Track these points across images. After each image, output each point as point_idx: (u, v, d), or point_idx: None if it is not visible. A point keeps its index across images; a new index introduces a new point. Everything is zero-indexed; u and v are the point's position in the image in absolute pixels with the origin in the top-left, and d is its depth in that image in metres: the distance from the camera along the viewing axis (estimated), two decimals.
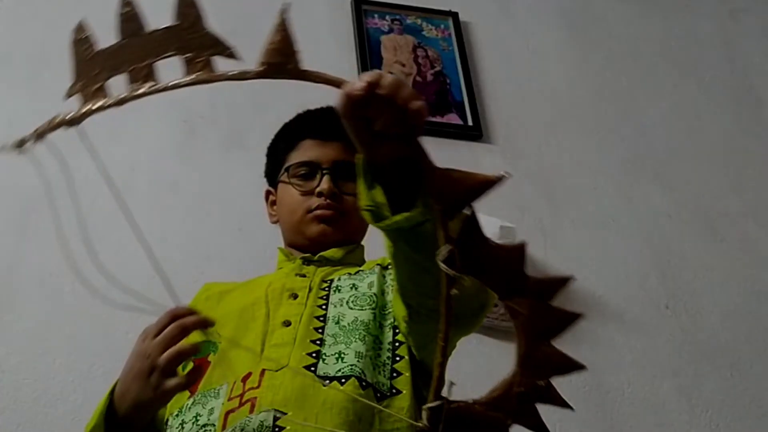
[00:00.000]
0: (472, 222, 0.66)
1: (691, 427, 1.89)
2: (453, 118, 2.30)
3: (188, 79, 0.77)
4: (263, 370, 0.95)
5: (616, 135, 2.44)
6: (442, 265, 0.65)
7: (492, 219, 1.96)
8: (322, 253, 1.16)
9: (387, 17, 2.50)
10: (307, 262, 1.15)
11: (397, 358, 1.00)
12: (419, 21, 2.53)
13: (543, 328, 0.67)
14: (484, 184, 0.66)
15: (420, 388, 0.98)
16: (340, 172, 1.18)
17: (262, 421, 0.90)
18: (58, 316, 1.74)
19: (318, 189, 1.16)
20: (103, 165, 0.89)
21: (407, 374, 0.99)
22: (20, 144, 0.92)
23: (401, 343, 1.01)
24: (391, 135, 0.71)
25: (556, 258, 2.03)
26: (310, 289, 1.08)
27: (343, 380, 0.94)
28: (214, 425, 0.93)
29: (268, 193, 1.30)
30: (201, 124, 2.12)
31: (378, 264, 1.13)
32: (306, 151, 1.20)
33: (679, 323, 2.08)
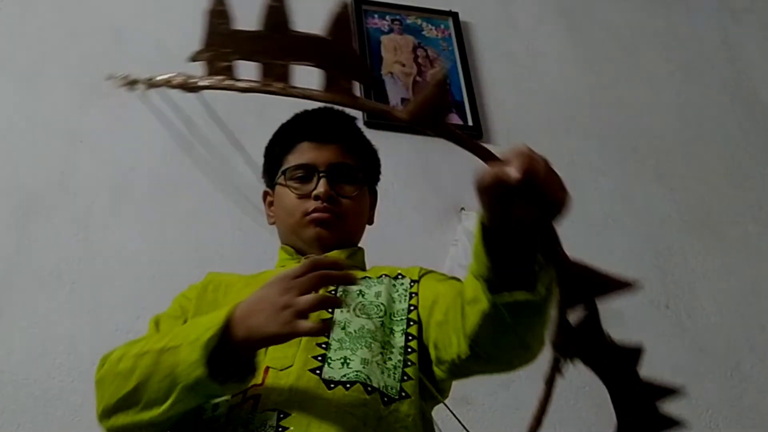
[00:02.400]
0: (594, 317, 0.67)
1: (691, 427, 1.88)
2: (453, 118, 2.30)
3: (326, 95, 0.73)
4: (267, 368, 0.95)
5: (616, 135, 2.44)
6: (555, 351, 0.67)
7: None
8: (325, 255, 1.15)
9: (387, 17, 2.50)
10: None
11: (409, 363, 1.00)
12: (419, 21, 2.53)
13: (645, 429, 0.69)
14: (614, 285, 0.67)
15: (423, 396, 1.00)
16: (337, 175, 1.18)
17: (265, 421, 0.90)
18: (58, 316, 1.74)
19: (315, 192, 1.16)
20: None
21: (416, 380, 1.00)
22: (131, 83, 0.90)
23: (413, 350, 1.01)
24: (529, 218, 0.70)
25: None
26: (316, 291, 1.08)
27: (348, 385, 0.94)
28: (217, 421, 0.93)
29: (265, 194, 1.30)
30: (201, 124, 2.12)
31: (385, 274, 1.12)
32: (303, 154, 1.20)
33: (679, 323, 2.08)
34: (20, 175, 1.93)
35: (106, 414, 0.95)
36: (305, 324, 0.82)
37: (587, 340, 0.67)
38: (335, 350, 0.98)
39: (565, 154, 2.32)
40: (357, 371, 0.95)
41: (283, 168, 1.22)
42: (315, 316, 0.97)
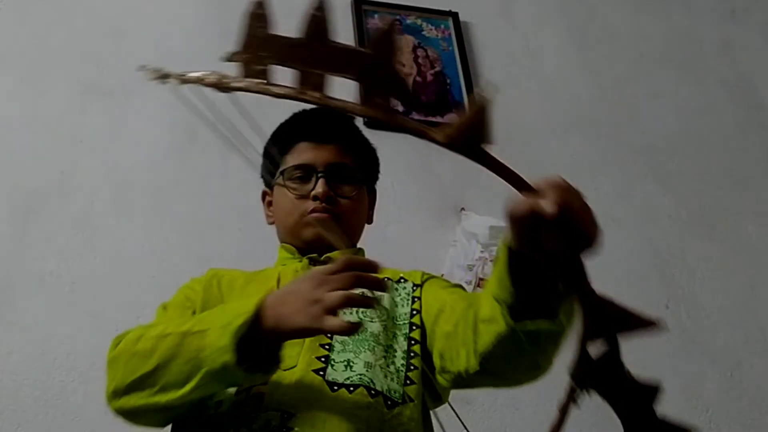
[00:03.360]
0: (614, 352, 0.68)
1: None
2: (453, 118, 2.29)
3: (363, 108, 0.72)
4: None
5: (616, 135, 2.44)
6: (572, 381, 0.68)
7: (483, 218, 1.96)
8: (328, 254, 1.15)
9: (387, 17, 2.50)
10: (313, 262, 1.14)
11: (412, 367, 1.01)
12: (419, 21, 2.53)
13: None
14: (638, 323, 0.68)
15: (425, 399, 1.00)
16: (335, 175, 1.18)
17: (269, 420, 0.90)
18: (58, 316, 1.74)
19: (313, 192, 1.16)
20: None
21: (419, 384, 1.00)
22: (163, 77, 0.89)
23: (416, 354, 1.02)
24: (559, 251, 0.70)
25: None
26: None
27: (351, 388, 0.94)
28: (220, 418, 0.93)
29: (264, 194, 1.29)
30: (201, 124, 2.12)
31: (387, 278, 1.12)
32: (301, 154, 1.20)
33: (679, 323, 2.08)
34: (20, 175, 1.94)
35: (117, 394, 0.92)
36: (333, 321, 0.80)
37: (606, 373, 0.68)
38: (338, 352, 0.98)
39: (565, 154, 2.32)
40: (361, 374, 0.95)
41: (281, 168, 1.21)
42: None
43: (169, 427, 0.99)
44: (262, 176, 1.29)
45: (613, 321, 0.68)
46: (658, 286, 2.12)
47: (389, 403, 0.95)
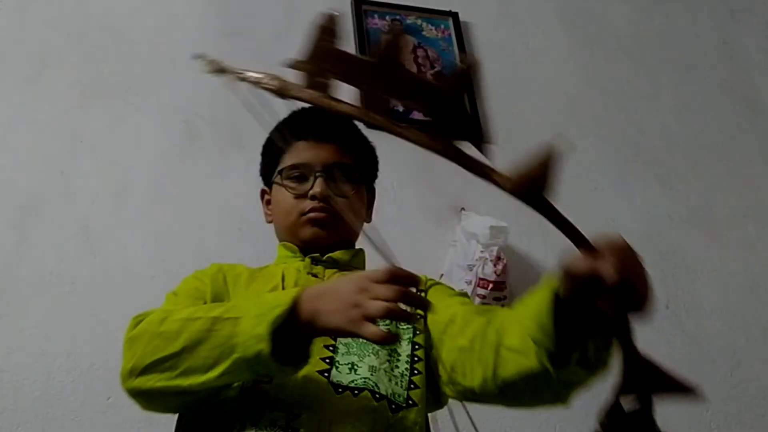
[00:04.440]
0: (648, 410, 0.69)
1: (691, 427, 1.89)
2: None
3: (429, 142, 0.70)
4: None
5: (616, 135, 2.44)
6: (600, 429, 0.70)
7: (484, 218, 1.96)
8: (330, 255, 1.15)
9: (387, 17, 2.50)
10: (315, 261, 1.14)
11: (415, 371, 1.01)
12: (419, 21, 2.53)
13: None
14: (677, 388, 0.68)
15: (427, 404, 1.00)
16: (334, 175, 1.17)
17: (275, 420, 0.90)
18: (58, 316, 1.74)
19: (311, 192, 1.15)
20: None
21: (423, 389, 1.00)
22: (219, 70, 0.87)
23: (420, 359, 1.02)
24: (611, 311, 0.71)
25: (556, 258, 2.02)
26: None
27: (356, 392, 0.94)
28: (225, 417, 0.93)
29: (263, 192, 1.29)
30: (201, 124, 2.12)
31: None
32: (299, 153, 1.19)
33: (679, 323, 2.08)
34: (20, 175, 1.93)
35: (134, 373, 0.90)
36: (371, 328, 0.80)
37: (637, 429, 0.69)
38: (342, 354, 0.98)
39: (565, 154, 2.31)
40: (365, 378, 0.96)
41: (279, 167, 1.21)
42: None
43: (174, 422, 0.99)
44: (261, 175, 1.29)
45: (652, 381, 0.69)
46: (658, 286, 2.10)
47: (393, 407, 0.96)
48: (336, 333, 0.85)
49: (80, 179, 1.96)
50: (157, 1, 2.34)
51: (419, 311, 1.00)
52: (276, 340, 0.82)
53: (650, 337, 2.02)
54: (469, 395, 0.96)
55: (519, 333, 0.84)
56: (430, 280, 1.15)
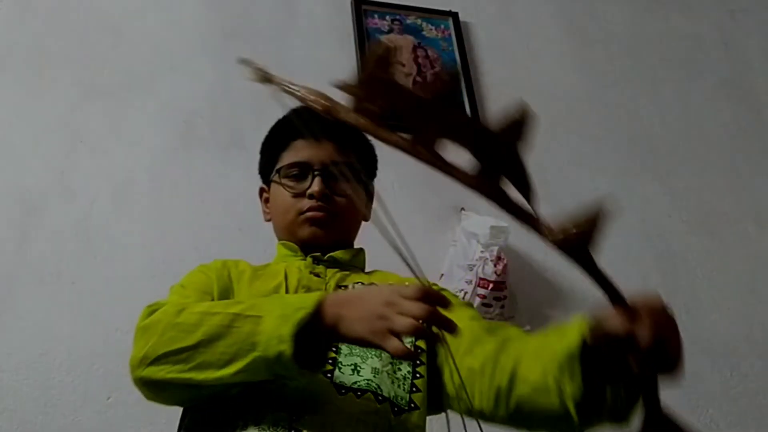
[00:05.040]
0: None
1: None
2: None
3: (477, 185, 0.70)
4: None
5: (616, 135, 2.44)
6: None
7: (484, 218, 1.96)
8: (331, 254, 1.15)
9: (387, 17, 2.50)
10: (317, 261, 1.14)
11: (418, 375, 1.01)
12: (419, 21, 2.53)
13: None
14: None
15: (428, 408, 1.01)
16: (332, 173, 1.17)
17: (278, 420, 0.89)
18: (58, 316, 1.74)
19: (309, 191, 1.15)
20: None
21: (424, 392, 1.00)
22: (264, 79, 0.85)
23: (422, 362, 1.02)
24: (641, 371, 0.72)
25: (556, 258, 2.02)
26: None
27: (359, 393, 0.94)
28: (228, 416, 0.93)
29: (261, 190, 1.28)
30: (201, 124, 2.12)
31: (392, 284, 1.12)
32: (298, 152, 1.19)
33: (679, 323, 2.08)
34: (20, 175, 1.93)
35: (146, 362, 0.90)
36: (395, 342, 0.79)
37: None
38: (345, 355, 0.98)
39: (564, 154, 2.32)
40: (368, 380, 0.95)
41: (278, 166, 1.21)
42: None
43: (173, 422, 0.99)
44: (260, 172, 1.28)
45: None
46: (658, 286, 2.12)
47: (396, 409, 0.96)
48: (357, 341, 0.84)
49: (80, 179, 1.96)
50: (157, 2, 2.34)
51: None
52: (297, 342, 0.82)
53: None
54: (476, 415, 0.95)
55: (538, 369, 0.85)
56: (435, 286, 1.14)
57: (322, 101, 0.78)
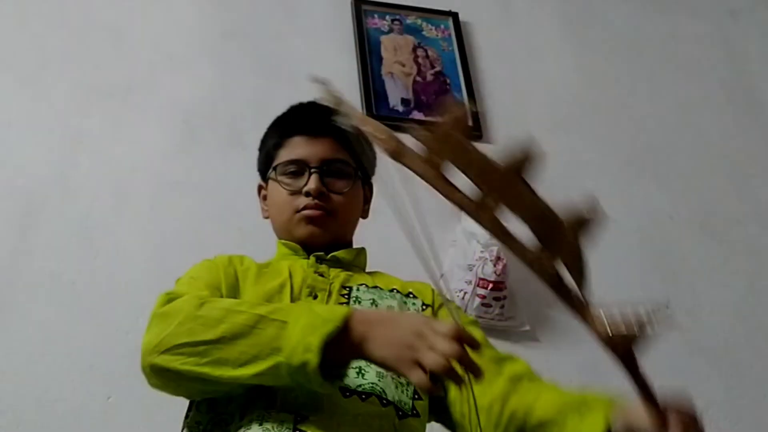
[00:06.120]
0: None
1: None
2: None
3: (533, 262, 0.69)
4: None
5: (616, 135, 2.44)
6: None
7: None
8: (334, 253, 1.15)
9: (387, 17, 2.50)
10: (320, 260, 1.14)
11: None
12: (419, 21, 2.53)
13: None
14: None
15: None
16: (329, 170, 1.17)
17: (282, 421, 0.89)
18: (58, 316, 1.74)
19: (305, 189, 1.15)
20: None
21: (426, 401, 1.01)
22: (336, 104, 0.84)
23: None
24: None
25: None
26: (330, 293, 1.08)
27: (364, 396, 0.94)
28: (232, 415, 0.93)
29: (260, 187, 1.28)
30: (201, 124, 2.12)
31: (396, 289, 1.12)
32: (294, 149, 1.18)
33: (679, 323, 2.08)
34: (20, 175, 1.93)
35: (160, 349, 0.89)
36: (420, 374, 0.79)
37: None
38: None
39: (565, 154, 2.31)
40: (372, 383, 0.95)
41: (275, 163, 1.20)
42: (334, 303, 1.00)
43: (173, 423, 0.99)
44: (259, 169, 1.27)
45: None
46: (658, 286, 2.12)
47: (400, 413, 0.96)
48: (380, 363, 0.85)
49: (80, 179, 1.96)
50: (157, 1, 2.34)
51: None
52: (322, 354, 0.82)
53: (650, 337, 2.03)
54: None
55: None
56: (437, 296, 1.14)
57: (391, 141, 0.77)
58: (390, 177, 0.91)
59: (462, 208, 0.72)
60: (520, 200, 0.69)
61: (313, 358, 0.81)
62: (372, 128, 0.81)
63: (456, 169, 0.71)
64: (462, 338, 0.81)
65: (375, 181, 1.30)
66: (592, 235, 0.68)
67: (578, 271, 0.70)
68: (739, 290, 2.19)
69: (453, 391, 1.00)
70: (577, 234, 0.68)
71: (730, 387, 2.01)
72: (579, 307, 0.69)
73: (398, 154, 0.76)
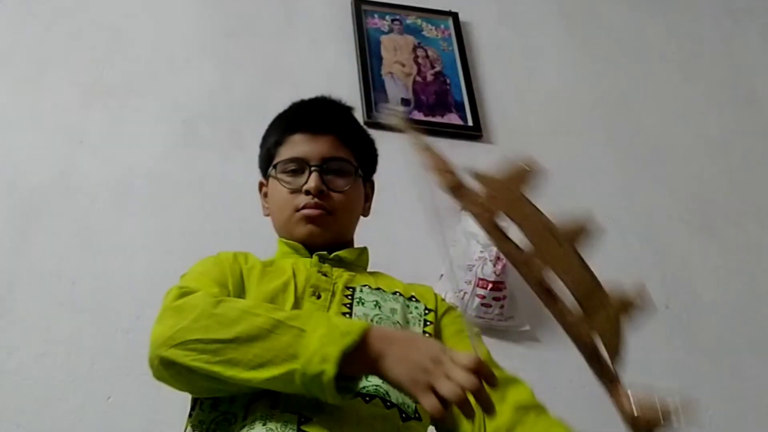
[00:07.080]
0: None
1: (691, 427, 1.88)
2: (453, 118, 2.30)
3: (570, 328, 0.69)
4: None
5: (616, 135, 2.44)
6: None
7: None
8: (337, 253, 1.15)
9: (387, 17, 2.50)
10: (322, 260, 1.13)
11: None
12: (419, 21, 2.53)
13: None
14: None
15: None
16: (329, 169, 1.16)
17: (286, 422, 0.89)
18: (58, 316, 1.74)
19: (305, 187, 1.14)
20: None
21: None
22: (399, 125, 0.86)
23: None
24: None
25: None
26: (333, 294, 1.07)
27: (367, 398, 0.94)
28: (235, 415, 0.93)
29: (261, 184, 1.27)
30: (201, 124, 2.12)
31: (399, 292, 1.12)
32: (295, 147, 1.18)
33: (679, 323, 2.08)
34: (20, 175, 1.93)
35: (171, 343, 0.88)
36: (433, 400, 0.79)
37: None
38: None
39: (565, 154, 2.31)
40: (376, 386, 0.95)
41: (275, 161, 1.20)
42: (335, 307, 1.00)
43: (173, 423, 0.99)
44: (260, 166, 1.27)
45: None
46: (658, 286, 2.12)
47: (404, 416, 0.96)
48: (393, 383, 0.84)
49: (80, 179, 1.96)
50: (157, 1, 2.34)
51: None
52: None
53: (650, 337, 2.03)
54: None
55: None
56: (443, 303, 1.14)
57: (450, 176, 0.77)
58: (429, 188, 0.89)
59: (508, 257, 0.72)
60: (570, 269, 0.69)
61: (330, 368, 0.81)
62: (434, 161, 0.80)
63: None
64: (481, 372, 0.80)
65: (376, 179, 1.30)
66: (635, 319, 0.68)
67: (614, 348, 0.70)
68: (738, 290, 2.19)
69: (465, 424, 0.99)
70: (621, 314, 0.68)
71: (730, 387, 2.00)
72: (609, 380, 0.69)
73: (455, 191, 0.76)
